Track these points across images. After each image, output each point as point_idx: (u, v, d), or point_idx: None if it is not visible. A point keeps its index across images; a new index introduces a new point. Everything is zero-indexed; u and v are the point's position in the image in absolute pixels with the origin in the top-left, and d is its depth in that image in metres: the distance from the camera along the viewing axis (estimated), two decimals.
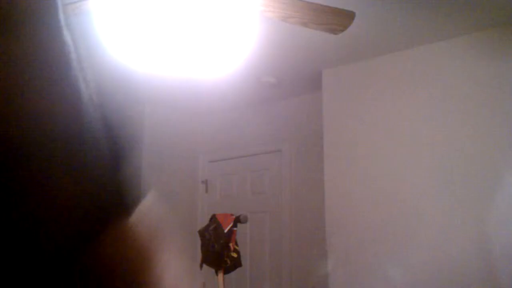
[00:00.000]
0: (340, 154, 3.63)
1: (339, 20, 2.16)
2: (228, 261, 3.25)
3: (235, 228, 3.21)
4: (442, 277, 3.07)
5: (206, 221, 3.32)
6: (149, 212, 0.50)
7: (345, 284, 3.46)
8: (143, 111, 4.61)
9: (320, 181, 3.81)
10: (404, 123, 3.38)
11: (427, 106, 3.30)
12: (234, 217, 3.15)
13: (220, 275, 3.18)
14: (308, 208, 4.12)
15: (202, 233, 3.16)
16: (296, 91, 4.28)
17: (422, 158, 3.27)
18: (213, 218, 3.17)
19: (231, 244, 3.24)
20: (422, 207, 3.22)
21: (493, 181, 2.98)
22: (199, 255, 3.23)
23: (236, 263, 3.27)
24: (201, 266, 3.19)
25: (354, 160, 3.56)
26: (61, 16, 0.40)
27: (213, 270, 3.20)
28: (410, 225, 3.25)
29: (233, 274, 3.56)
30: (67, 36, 0.40)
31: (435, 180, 3.19)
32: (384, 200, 3.38)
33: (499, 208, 2.94)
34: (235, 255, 3.25)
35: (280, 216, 4.27)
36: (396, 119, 3.42)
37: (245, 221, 3.14)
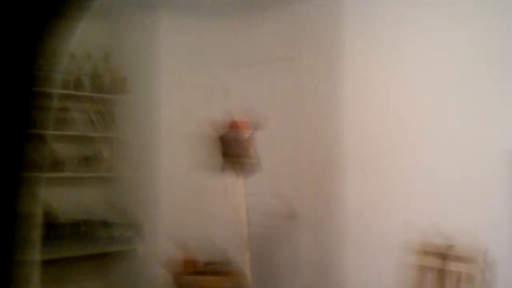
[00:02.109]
0: (361, 63, 3.60)
1: None
2: (248, 165, 3.35)
3: (254, 134, 3.27)
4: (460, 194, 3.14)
5: (226, 128, 3.38)
6: None
7: (360, 186, 3.57)
8: (158, 18, 4.54)
9: (336, 87, 3.80)
10: (427, 39, 3.31)
11: (444, 22, 3.21)
12: (253, 123, 3.20)
13: (241, 178, 3.29)
14: (326, 117, 4.13)
15: (222, 138, 3.24)
16: None
17: (438, 70, 3.23)
18: (233, 125, 3.23)
19: (251, 149, 3.32)
20: (436, 115, 3.23)
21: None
22: (220, 160, 3.32)
23: (256, 167, 3.37)
24: (222, 170, 3.29)
25: (373, 70, 3.54)
26: None
27: (234, 175, 3.31)
28: (424, 134, 3.28)
29: (252, 178, 3.68)
30: None
31: (442, 95, 3.18)
32: (399, 109, 3.40)
33: None
34: (254, 159, 3.34)
35: (298, 121, 4.31)
36: (418, 36, 3.34)
37: (263, 126, 3.20)
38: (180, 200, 4.59)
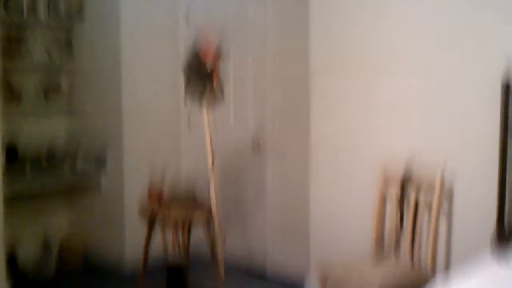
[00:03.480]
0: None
1: None
2: (212, 95, 3.30)
3: (217, 62, 3.20)
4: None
5: (188, 55, 3.29)
6: None
7: (325, 117, 3.57)
8: None
9: (305, 25, 3.72)
10: None
11: None
12: (218, 52, 3.12)
13: (205, 108, 3.25)
14: (293, 49, 4.05)
15: (185, 69, 3.16)
16: None
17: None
18: (195, 53, 3.14)
19: (214, 78, 3.26)
20: (410, 40, 3.19)
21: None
22: (183, 91, 3.26)
23: (220, 96, 3.32)
24: (185, 102, 3.24)
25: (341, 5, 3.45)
26: None
27: (197, 105, 3.26)
28: (396, 58, 3.26)
29: (216, 108, 3.63)
30: None
31: (425, 18, 3.13)
32: (370, 36, 3.35)
33: None
34: (218, 88, 3.29)
35: (265, 51, 4.22)
36: None
37: (227, 55, 3.12)
38: (144, 131, 4.53)
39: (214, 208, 3.49)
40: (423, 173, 3.01)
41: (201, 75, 3.26)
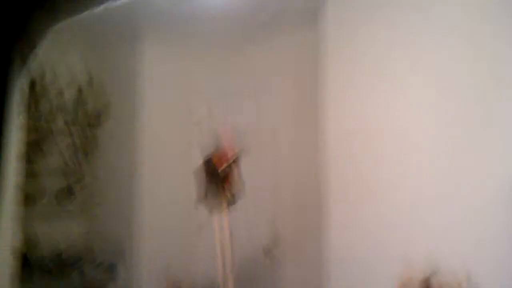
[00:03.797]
0: (341, 81, 3.57)
1: None
2: (225, 198, 3.27)
3: (231, 166, 3.21)
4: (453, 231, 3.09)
5: (202, 160, 3.32)
6: None
7: (343, 217, 3.50)
8: (139, 48, 4.52)
9: (320, 119, 3.78)
10: (405, 55, 3.30)
11: (429, 37, 3.20)
12: (230, 155, 3.15)
13: (218, 212, 3.21)
14: (310, 144, 4.09)
15: (198, 172, 3.17)
16: (294, 27, 4.17)
17: (424, 91, 3.21)
18: (209, 158, 3.17)
19: (227, 182, 3.26)
20: (423, 138, 3.20)
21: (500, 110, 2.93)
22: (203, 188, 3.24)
23: (233, 200, 3.29)
24: (197, 204, 3.21)
25: (356, 91, 3.51)
26: None
27: (212, 208, 3.23)
28: (410, 158, 3.24)
29: (230, 211, 3.59)
30: None
31: (438, 115, 3.15)
32: (383, 132, 3.36)
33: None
34: (231, 192, 3.27)
35: (279, 150, 4.26)
36: (399, 50, 3.33)
37: (240, 159, 3.14)
38: (163, 230, 4.47)
39: None
40: (444, 279, 2.88)
41: (214, 179, 3.26)
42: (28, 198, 4.31)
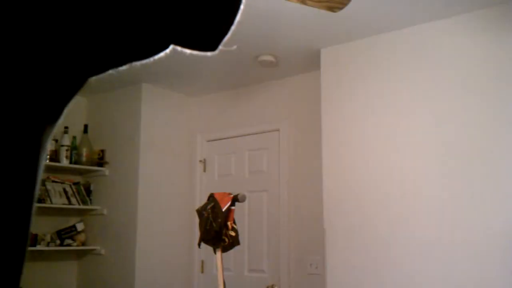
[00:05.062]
0: (338, 134, 3.62)
1: None
2: (226, 240, 3.26)
3: (233, 207, 3.21)
4: (446, 257, 3.09)
5: (204, 200, 3.33)
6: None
7: (343, 264, 3.49)
8: (139, 91, 4.59)
9: (318, 161, 3.82)
10: (403, 103, 3.37)
11: (427, 85, 3.29)
12: (232, 196, 3.15)
13: (219, 253, 3.20)
14: (306, 187, 4.14)
15: (200, 212, 3.17)
16: (295, 70, 4.27)
17: (423, 137, 3.27)
18: (211, 197, 3.18)
19: (229, 223, 3.25)
20: (422, 186, 3.23)
21: (498, 160, 2.98)
22: (197, 234, 3.24)
23: (234, 242, 3.28)
24: (199, 245, 3.20)
25: (352, 140, 3.56)
26: None
27: (211, 248, 3.22)
28: (409, 204, 3.26)
29: (231, 253, 3.59)
30: None
31: (436, 160, 3.20)
32: (382, 180, 3.39)
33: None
34: (233, 233, 3.26)
35: (278, 195, 4.29)
36: (395, 99, 3.41)
37: (243, 200, 3.15)
38: (157, 276, 4.44)
39: None
40: None
41: (216, 218, 3.26)
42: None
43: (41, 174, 0.50)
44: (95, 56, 0.48)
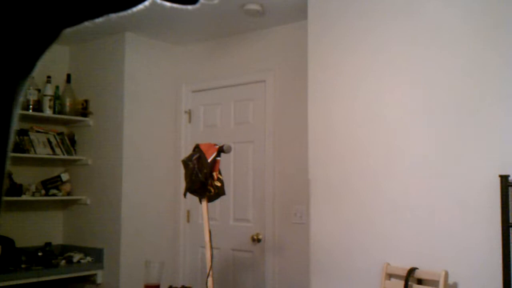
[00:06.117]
0: (325, 85, 3.61)
1: None
2: (212, 190, 3.29)
3: (218, 158, 3.22)
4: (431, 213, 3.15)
5: (189, 151, 3.33)
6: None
7: (326, 214, 3.55)
8: (123, 40, 4.50)
9: (304, 112, 3.82)
10: (391, 55, 3.35)
11: (415, 37, 3.26)
12: (217, 147, 3.16)
13: (204, 203, 3.23)
14: (292, 138, 4.15)
15: (186, 162, 3.18)
16: (281, 20, 4.20)
17: (411, 91, 3.27)
18: (197, 148, 3.18)
19: (214, 173, 3.27)
20: (407, 138, 3.25)
21: (485, 114, 3.00)
22: (183, 184, 3.26)
23: (220, 192, 3.31)
24: (185, 195, 3.22)
25: (339, 91, 3.55)
26: None
27: (197, 198, 3.24)
28: (395, 157, 3.29)
29: (217, 202, 3.63)
30: None
31: (424, 113, 3.21)
32: (368, 132, 3.41)
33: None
34: (218, 184, 3.28)
35: (264, 146, 4.30)
36: (383, 51, 3.38)
37: (228, 150, 3.16)
38: (143, 225, 4.49)
39: None
40: (427, 273, 2.94)
41: (201, 168, 3.27)
42: (14, 188, 4.29)
43: (14, 127, 0.49)
44: (69, 7, 0.46)
